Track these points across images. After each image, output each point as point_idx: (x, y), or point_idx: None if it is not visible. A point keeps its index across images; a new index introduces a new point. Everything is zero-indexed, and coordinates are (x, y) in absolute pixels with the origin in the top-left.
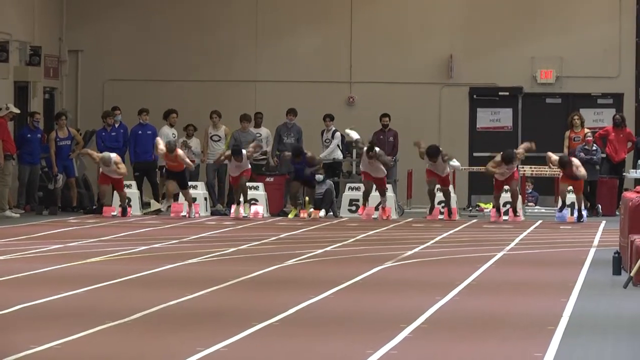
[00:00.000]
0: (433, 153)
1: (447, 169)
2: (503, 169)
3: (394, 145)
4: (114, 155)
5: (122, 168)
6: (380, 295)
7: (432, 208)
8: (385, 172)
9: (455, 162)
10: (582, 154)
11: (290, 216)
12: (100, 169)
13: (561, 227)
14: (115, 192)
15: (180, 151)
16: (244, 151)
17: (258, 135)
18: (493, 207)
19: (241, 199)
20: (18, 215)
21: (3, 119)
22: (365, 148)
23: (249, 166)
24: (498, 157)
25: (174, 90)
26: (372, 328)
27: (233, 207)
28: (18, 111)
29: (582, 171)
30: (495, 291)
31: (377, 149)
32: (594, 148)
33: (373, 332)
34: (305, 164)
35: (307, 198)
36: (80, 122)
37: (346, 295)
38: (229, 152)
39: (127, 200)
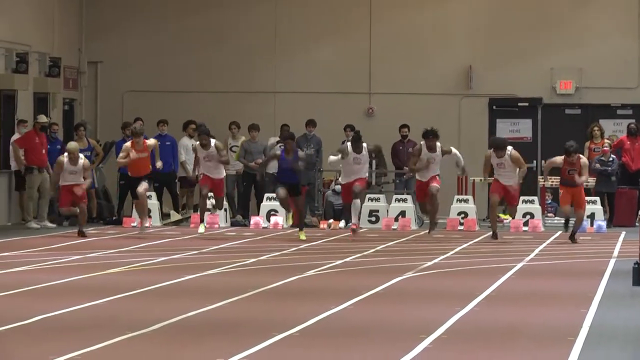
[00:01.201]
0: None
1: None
2: (495, 160)
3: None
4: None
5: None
6: (400, 306)
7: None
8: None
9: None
10: (597, 165)
11: (288, 222)
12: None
13: (581, 238)
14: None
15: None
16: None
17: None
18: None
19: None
20: (38, 226)
21: (32, 131)
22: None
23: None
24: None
25: (193, 101)
26: (392, 339)
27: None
28: (46, 120)
29: (583, 177)
30: (514, 302)
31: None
32: (611, 159)
33: (392, 343)
34: (295, 160)
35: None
36: (100, 133)
37: (366, 306)
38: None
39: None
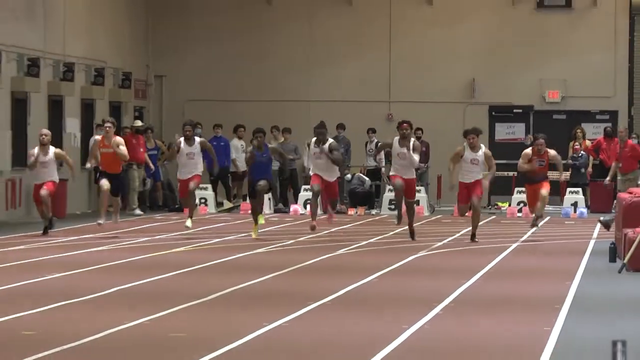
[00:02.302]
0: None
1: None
2: (470, 155)
3: (426, 154)
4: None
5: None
6: (415, 279)
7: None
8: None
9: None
10: (570, 161)
11: (254, 233)
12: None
13: (566, 222)
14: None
15: (119, 138)
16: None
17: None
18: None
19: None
20: (142, 213)
21: (130, 133)
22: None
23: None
24: (527, 151)
25: (242, 108)
26: (408, 306)
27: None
28: (142, 124)
29: (562, 176)
30: (510, 276)
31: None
32: (580, 154)
33: (409, 309)
34: (267, 154)
35: (260, 215)
36: (165, 136)
37: (387, 279)
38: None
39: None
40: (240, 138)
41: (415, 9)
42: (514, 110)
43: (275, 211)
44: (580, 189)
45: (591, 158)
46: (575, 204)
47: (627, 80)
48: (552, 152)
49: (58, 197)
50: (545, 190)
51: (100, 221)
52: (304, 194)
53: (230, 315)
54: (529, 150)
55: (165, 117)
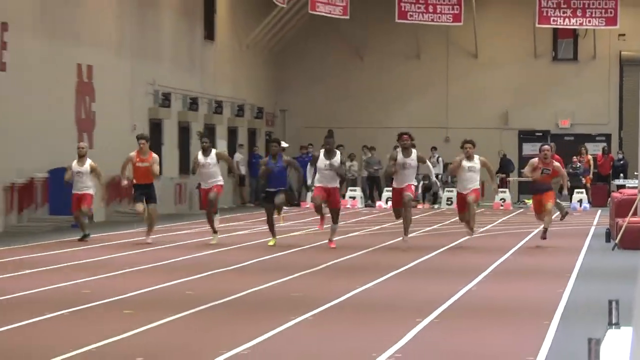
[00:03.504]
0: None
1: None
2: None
3: None
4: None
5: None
6: (472, 252)
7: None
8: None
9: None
10: (570, 170)
11: (271, 243)
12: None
13: (574, 214)
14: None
15: (154, 155)
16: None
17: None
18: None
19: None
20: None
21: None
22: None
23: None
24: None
25: (342, 132)
26: (468, 271)
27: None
28: (287, 145)
29: (562, 170)
30: (533, 253)
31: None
32: (578, 165)
33: (468, 274)
34: (280, 164)
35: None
36: (287, 153)
37: (448, 254)
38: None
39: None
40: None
41: (465, 60)
42: (536, 134)
43: (366, 206)
44: (584, 190)
45: (592, 168)
46: (580, 201)
47: (618, 112)
48: (557, 164)
49: None
50: (550, 204)
51: (148, 240)
52: (386, 194)
53: (348, 278)
54: (535, 160)
55: (287, 140)
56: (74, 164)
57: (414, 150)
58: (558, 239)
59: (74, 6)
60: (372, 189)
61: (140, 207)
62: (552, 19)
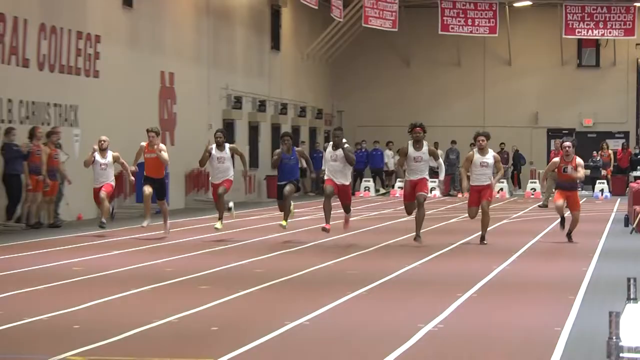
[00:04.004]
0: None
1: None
2: (480, 159)
3: (507, 159)
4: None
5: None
6: (514, 234)
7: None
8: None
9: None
10: (591, 163)
11: (284, 224)
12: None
13: (596, 202)
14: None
15: (162, 145)
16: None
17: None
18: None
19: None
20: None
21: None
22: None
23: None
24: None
25: (393, 130)
26: (502, 250)
27: None
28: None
29: (580, 173)
30: (561, 236)
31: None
32: (597, 159)
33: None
34: (295, 158)
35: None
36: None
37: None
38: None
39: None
40: (390, 149)
41: (500, 68)
42: (563, 131)
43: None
44: (605, 180)
45: (612, 161)
46: (602, 190)
47: (635, 112)
48: (579, 160)
49: None
50: (577, 212)
51: (144, 224)
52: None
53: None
54: (557, 159)
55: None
56: (97, 156)
57: (425, 143)
58: (583, 224)
59: (158, 21)
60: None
61: (148, 189)
62: (576, 30)
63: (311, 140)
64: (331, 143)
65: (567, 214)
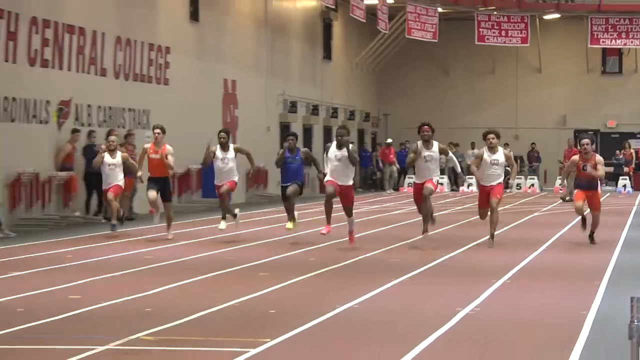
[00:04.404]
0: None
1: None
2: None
3: (537, 157)
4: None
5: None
6: (542, 226)
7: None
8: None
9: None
10: (614, 161)
11: (289, 226)
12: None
13: (619, 196)
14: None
15: (168, 146)
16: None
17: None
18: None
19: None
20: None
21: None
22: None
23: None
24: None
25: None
26: (517, 247)
27: None
28: (391, 140)
29: (600, 172)
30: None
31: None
32: (620, 157)
33: (518, 250)
34: (300, 158)
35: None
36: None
37: (520, 228)
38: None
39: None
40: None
41: (531, 75)
42: (589, 132)
43: (451, 191)
44: (627, 177)
45: (634, 159)
46: (625, 186)
47: None
48: (599, 157)
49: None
50: (597, 212)
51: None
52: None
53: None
54: (576, 157)
55: (390, 137)
56: (106, 156)
57: (435, 142)
58: (607, 217)
59: (221, 34)
60: (456, 177)
61: (152, 195)
62: (601, 40)
63: (359, 140)
64: (334, 142)
65: (587, 211)
